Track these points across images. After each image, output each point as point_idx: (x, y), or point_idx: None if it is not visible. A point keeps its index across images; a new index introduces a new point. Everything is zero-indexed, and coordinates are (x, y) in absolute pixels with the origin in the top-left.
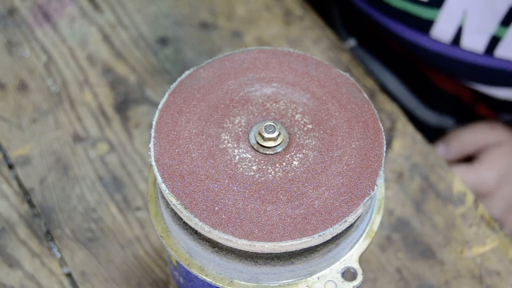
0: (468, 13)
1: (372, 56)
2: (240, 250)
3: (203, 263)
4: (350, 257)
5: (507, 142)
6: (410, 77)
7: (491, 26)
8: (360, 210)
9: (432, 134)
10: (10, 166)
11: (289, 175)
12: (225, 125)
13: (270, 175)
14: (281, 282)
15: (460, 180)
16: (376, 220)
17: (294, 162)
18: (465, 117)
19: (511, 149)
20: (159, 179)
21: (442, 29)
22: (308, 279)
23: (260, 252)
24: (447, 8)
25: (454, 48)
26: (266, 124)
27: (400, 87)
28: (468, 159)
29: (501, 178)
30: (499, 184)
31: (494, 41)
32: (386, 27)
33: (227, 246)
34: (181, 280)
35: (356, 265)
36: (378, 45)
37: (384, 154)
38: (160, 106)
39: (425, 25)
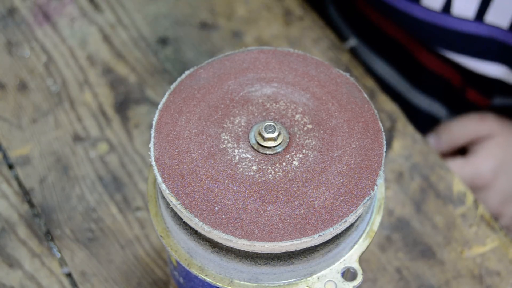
0: None
1: (361, 41)
2: (240, 250)
3: (203, 263)
4: (350, 257)
5: (499, 133)
6: (400, 60)
7: None
8: (360, 210)
9: (424, 122)
10: (10, 166)
11: (289, 175)
12: (225, 125)
13: (270, 175)
14: (281, 282)
15: (460, 180)
16: (376, 220)
17: (294, 162)
18: (457, 103)
19: (504, 140)
20: (159, 179)
21: None
22: (308, 279)
23: (260, 252)
24: None
25: (445, 16)
26: (266, 124)
27: (389, 70)
28: (460, 151)
29: (496, 170)
30: (495, 176)
31: (485, 4)
32: None
33: (227, 246)
34: (181, 280)
35: (356, 265)
36: (369, 29)
37: (384, 154)
38: (160, 106)
39: None
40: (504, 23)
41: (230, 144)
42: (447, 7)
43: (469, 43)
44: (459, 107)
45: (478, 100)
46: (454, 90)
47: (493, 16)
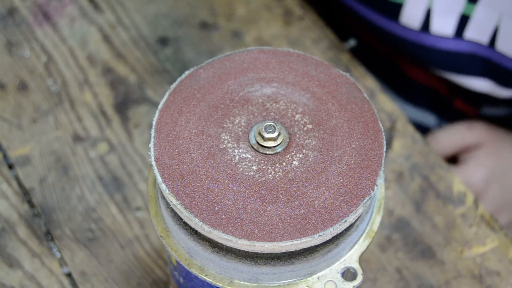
0: None
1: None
2: (240, 250)
3: (203, 263)
4: (350, 257)
5: (488, 142)
6: (386, 71)
7: (459, 3)
8: (360, 210)
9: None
10: (10, 166)
11: (289, 175)
12: (225, 125)
13: (270, 175)
14: (281, 282)
15: (460, 180)
16: (376, 220)
17: (294, 162)
18: (446, 112)
19: (494, 149)
20: (159, 179)
21: (411, 13)
22: (308, 279)
23: (260, 252)
24: None
25: (424, 34)
26: (266, 124)
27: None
28: (449, 160)
29: (487, 179)
30: (486, 185)
31: (463, 21)
32: (362, 16)
33: (227, 246)
34: (181, 280)
35: (356, 265)
36: (358, 42)
37: (384, 154)
38: (160, 106)
39: (394, 10)
40: (484, 39)
41: (230, 144)
42: (425, 26)
43: (451, 60)
44: (449, 115)
45: (466, 110)
46: (442, 100)
47: (472, 33)
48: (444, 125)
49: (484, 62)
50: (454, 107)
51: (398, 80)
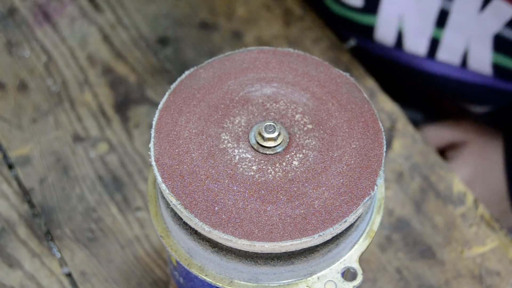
0: (405, 17)
1: None
2: (240, 250)
3: (203, 263)
4: (350, 257)
5: (475, 141)
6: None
7: (428, 28)
8: (360, 210)
9: None
10: (10, 166)
11: (289, 175)
12: (225, 125)
13: (270, 175)
14: (281, 282)
15: (460, 180)
16: (376, 220)
17: (294, 162)
18: (432, 110)
19: (480, 148)
20: (159, 179)
21: (384, 34)
22: (308, 279)
23: (260, 252)
24: (383, 13)
25: (399, 52)
26: (266, 124)
27: None
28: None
29: (473, 178)
30: (472, 184)
31: (434, 44)
32: (340, 33)
33: (227, 246)
34: (181, 280)
35: (356, 265)
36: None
37: (384, 154)
38: (160, 106)
39: (367, 31)
40: (455, 60)
41: (230, 144)
42: (399, 44)
43: (427, 81)
44: (435, 113)
45: (452, 108)
46: (430, 99)
47: (444, 55)
48: (431, 122)
49: (457, 84)
50: (440, 105)
51: (385, 80)
